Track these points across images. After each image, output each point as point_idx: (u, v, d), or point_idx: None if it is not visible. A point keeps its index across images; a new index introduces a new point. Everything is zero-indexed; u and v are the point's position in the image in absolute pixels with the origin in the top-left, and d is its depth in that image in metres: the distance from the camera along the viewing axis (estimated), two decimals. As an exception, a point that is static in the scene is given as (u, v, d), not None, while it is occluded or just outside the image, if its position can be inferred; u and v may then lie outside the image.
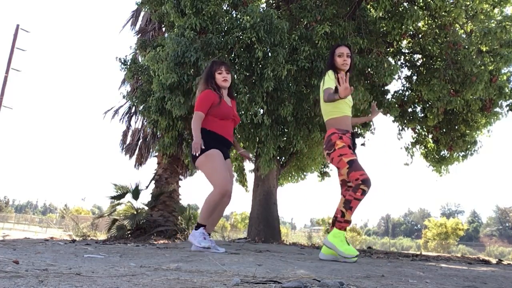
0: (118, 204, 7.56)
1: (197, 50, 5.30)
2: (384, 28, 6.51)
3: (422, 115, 7.74)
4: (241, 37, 5.46)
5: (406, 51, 7.81)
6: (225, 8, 6.34)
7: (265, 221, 7.60)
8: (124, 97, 7.15)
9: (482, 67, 5.90)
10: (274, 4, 7.52)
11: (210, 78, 3.58)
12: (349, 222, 3.08)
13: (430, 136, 8.27)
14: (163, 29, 8.13)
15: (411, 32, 7.08)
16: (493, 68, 6.21)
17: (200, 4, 5.47)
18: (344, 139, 3.17)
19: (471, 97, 6.33)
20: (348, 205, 3.03)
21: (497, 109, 6.98)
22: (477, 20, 6.41)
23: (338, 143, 3.15)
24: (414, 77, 7.60)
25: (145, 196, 7.92)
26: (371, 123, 8.20)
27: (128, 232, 6.92)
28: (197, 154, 3.27)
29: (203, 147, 3.26)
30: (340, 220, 3.07)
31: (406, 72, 7.95)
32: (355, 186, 3.04)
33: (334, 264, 2.75)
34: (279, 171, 8.36)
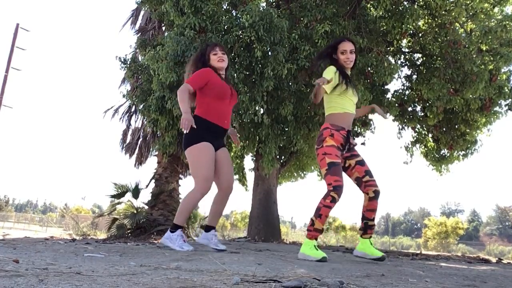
0: (118, 203, 7.55)
1: (197, 49, 5.29)
2: (384, 27, 6.50)
3: (422, 114, 7.74)
4: (240, 36, 5.46)
5: (406, 50, 7.81)
6: (225, 7, 6.33)
7: (265, 220, 7.61)
8: (124, 96, 7.15)
9: (482, 66, 5.90)
10: (274, 3, 7.51)
11: (202, 58, 3.33)
12: (319, 230, 2.93)
13: (430, 135, 8.27)
14: (163, 28, 8.12)
15: (411, 31, 7.08)
16: (493, 67, 6.21)
17: (200, 4, 5.47)
18: (336, 137, 2.99)
19: (470, 96, 6.33)
20: (318, 212, 2.88)
21: (497, 109, 6.98)
22: (477, 19, 6.41)
23: (327, 140, 2.98)
24: (414, 76, 7.60)
25: (145, 195, 7.94)
26: (371, 122, 8.20)
27: (128, 231, 6.91)
28: (185, 132, 2.98)
29: (193, 126, 2.97)
30: (310, 229, 2.94)
31: (406, 71, 7.95)
32: (326, 191, 2.90)
33: (334, 263, 2.75)
34: (279, 170, 8.37)
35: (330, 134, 3.00)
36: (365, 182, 3.03)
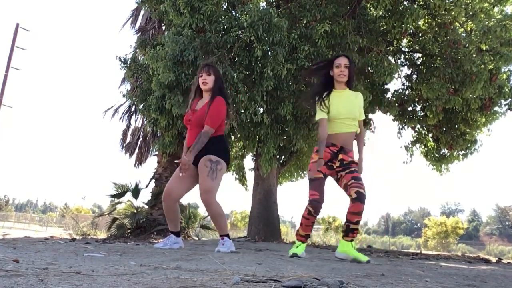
0: (118, 203, 7.56)
1: (196, 49, 5.29)
2: (384, 27, 6.50)
3: (422, 114, 7.74)
4: (240, 36, 5.46)
5: (406, 49, 7.81)
6: (225, 7, 6.33)
7: (265, 220, 7.61)
8: (124, 96, 7.15)
9: (482, 66, 5.90)
10: (274, 3, 7.51)
11: (196, 84, 3.54)
12: (302, 236, 3.21)
13: (430, 135, 8.27)
14: (163, 27, 8.12)
15: (411, 31, 7.08)
16: (493, 67, 6.21)
17: (197, 3, 5.45)
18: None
19: (470, 96, 6.33)
20: (300, 221, 3.18)
21: (497, 108, 6.98)
22: (477, 19, 6.40)
23: (313, 157, 3.20)
24: (414, 76, 7.60)
25: (145, 195, 7.94)
26: (371, 122, 8.20)
27: (128, 231, 6.92)
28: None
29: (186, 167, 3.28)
30: (297, 232, 3.28)
31: (406, 71, 7.95)
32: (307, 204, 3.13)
33: (334, 263, 2.75)
34: (279, 170, 8.37)
35: (316, 151, 3.21)
36: (350, 185, 3.07)
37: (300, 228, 3.20)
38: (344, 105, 3.23)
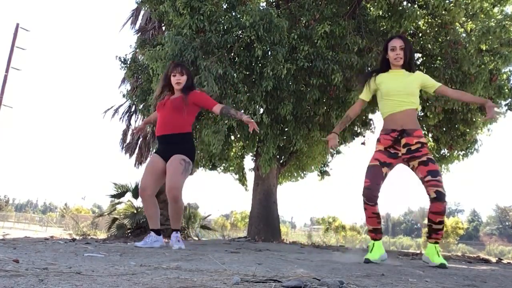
0: (118, 203, 7.56)
1: (196, 49, 5.29)
2: (384, 27, 6.50)
3: (422, 114, 7.74)
4: (240, 35, 5.46)
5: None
6: (224, 7, 6.33)
7: (265, 220, 7.61)
8: (124, 96, 7.16)
9: (482, 66, 5.89)
10: (274, 3, 7.51)
11: (166, 80, 3.64)
12: (370, 231, 3.10)
13: (430, 135, 8.27)
14: (163, 28, 8.12)
15: (411, 31, 7.07)
16: (493, 67, 6.20)
17: (197, 4, 5.45)
18: (382, 141, 3.05)
19: (470, 96, 6.32)
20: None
21: (496, 109, 6.97)
22: (477, 19, 6.40)
23: (376, 147, 3.10)
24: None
25: (145, 195, 7.92)
26: (371, 122, 8.20)
27: (128, 231, 6.92)
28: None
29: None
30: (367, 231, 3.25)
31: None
32: None
33: (334, 263, 2.75)
34: (279, 170, 8.36)
35: (377, 140, 3.13)
36: (427, 182, 2.89)
37: (367, 223, 3.07)
38: (396, 81, 3.06)
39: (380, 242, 3.07)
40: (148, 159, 3.64)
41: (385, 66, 3.17)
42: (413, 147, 2.97)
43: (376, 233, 3.05)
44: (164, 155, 3.49)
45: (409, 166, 3.03)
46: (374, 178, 2.96)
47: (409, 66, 3.12)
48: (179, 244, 3.50)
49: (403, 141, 2.98)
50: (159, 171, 3.52)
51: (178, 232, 3.60)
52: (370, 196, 2.93)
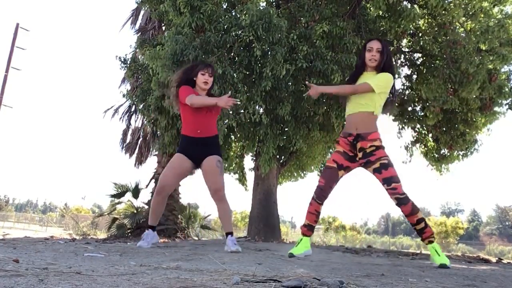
0: (118, 203, 7.56)
1: (196, 48, 5.29)
2: (384, 27, 6.50)
3: (422, 114, 7.74)
4: (240, 35, 5.45)
5: (406, 49, 7.80)
6: (225, 6, 6.33)
7: (265, 220, 7.60)
8: (124, 96, 7.15)
9: (480, 66, 5.89)
10: (273, 3, 7.51)
11: (189, 73, 3.53)
12: (305, 226, 3.17)
13: (430, 135, 8.27)
14: (163, 27, 8.12)
15: (411, 31, 7.08)
16: (492, 67, 6.20)
17: (198, 3, 5.45)
18: (341, 143, 3.14)
19: (467, 96, 6.32)
20: None
21: (497, 108, 6.98)
22: (477, 18, 6.40)
23: (336, 147, 3.21)
24: (414, 76, 7.59)
25: (145, 195, 7.91)
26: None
27: (128, 231, 6.91)
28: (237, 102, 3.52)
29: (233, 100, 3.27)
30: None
31: (406, 71, 7.95)
32: None
33: (334, 263, 2.75)
34: (279, 170, 8.36)
35: (337, 141, 3.22)
36: (386, 190, 2.97)
37: (306, 218, 3.16)
38: (359, 82, 3.12)
39: (308, 238, 3.18)
40: (174, 157, 3.48)
41: (361, 64, 3.24)
42: (367, 150, 3.03)
43: (308, 229, 3.18)
44: (193, 157, 3.42)
45: (367, 170, 3.10)
46: (329, 180, 3.08)
47: (382, 70, 3.15)
48: (236, 246, 3.38)
49: (358, 145, 3.06)
50: (184, 171, 3.48)
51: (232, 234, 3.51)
52: (321, 195, 3.08)
